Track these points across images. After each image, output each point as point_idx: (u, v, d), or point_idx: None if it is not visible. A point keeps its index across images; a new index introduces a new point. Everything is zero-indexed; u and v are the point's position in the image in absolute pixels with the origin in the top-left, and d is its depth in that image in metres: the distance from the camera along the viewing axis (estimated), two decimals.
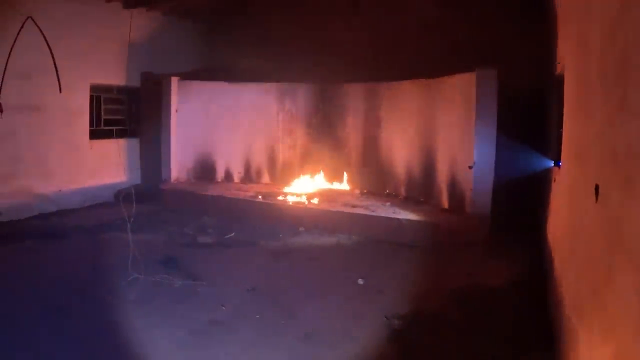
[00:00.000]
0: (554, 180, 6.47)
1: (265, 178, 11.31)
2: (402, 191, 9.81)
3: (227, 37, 12.52)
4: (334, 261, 6.94)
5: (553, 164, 6.92)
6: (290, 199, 9.30)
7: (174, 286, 5.58)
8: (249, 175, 11.32)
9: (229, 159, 11.29)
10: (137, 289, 5.43)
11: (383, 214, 8.18)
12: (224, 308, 5.03)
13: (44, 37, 8.37)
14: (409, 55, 10.08)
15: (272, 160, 11.34)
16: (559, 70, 6.46)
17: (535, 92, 8.48)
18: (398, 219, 7.91)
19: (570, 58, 5.01)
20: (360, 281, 5.89)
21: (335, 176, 10.73)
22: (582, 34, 3.93)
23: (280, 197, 9.42)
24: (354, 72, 10.40)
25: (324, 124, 11.03)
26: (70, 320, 4.67)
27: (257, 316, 4.88)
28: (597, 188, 2.73)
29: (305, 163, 11.07)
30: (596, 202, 2.76)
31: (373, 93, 10.37)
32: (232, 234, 7.95)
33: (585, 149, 3.46)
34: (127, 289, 5.43)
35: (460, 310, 5.18)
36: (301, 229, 8.35)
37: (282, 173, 11.19)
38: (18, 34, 8.06)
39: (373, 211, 8.35)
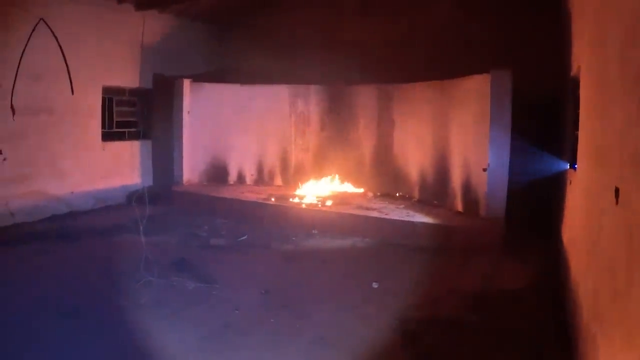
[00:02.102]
0: (570, 183, 6.38)
1: (278, 180, 11.28)
2: (416, 194, 9.74)
3: (238, 39, 12.53)
4: (348, 264, 6.88)
5: (568, 166, 6.84)
6: (303, 202, 9.26)
7: (187, 289, 5.56)
8: (262, 177, 11.30)
9: (241, 161, 11.28)
10: (150, 291, 5.42)
11: (397, 217, 8.12)
12: (237, 312, 4.99)
13: (56, 38, 8.42)
14: (421, 57, 10.01)
15: (284, 163, 11.31)
16: (574, 70, 6.37)
17: (550, 93, 8.38)
18: (412, 222, 7.85)
19: (586, 57, 4.93)
20: (375, 284, 5.83)
21: (348, 178, 10.67)
22: (599, 32, 3.86)
23: (293, 200, 9.39)
24: (366, 73, 10.36)
25: (336, 126, 10.99)
26: (82, 324, 4.65)
27: (272, 320, 4.83)
28: (617, 190, 2.66)
29: (317, 165, 11.02)
30: (616, 205, 2.68)
31: (386, 94, 10.31)
32: (244, 237, 7.92)
33: (605, 150, 3.39)
34: (140, 291, 5.42)
35: (475, 314, 5.10)
36: (314, 231, 8.32)
37: (294, 175, 11.15)
38: (30, 35, 8.11)
39: (387, 214, 8.29)
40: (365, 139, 10.69)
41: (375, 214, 8.35)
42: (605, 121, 3.43)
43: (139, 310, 4.98)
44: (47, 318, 4.75)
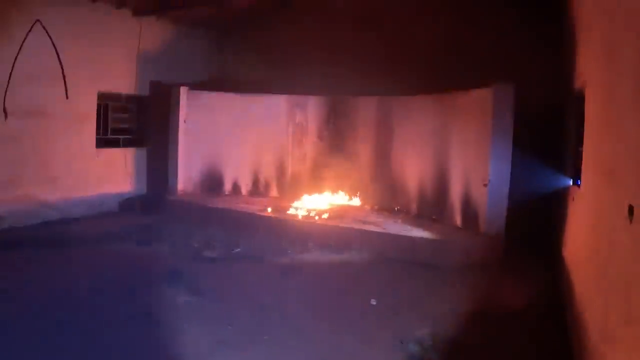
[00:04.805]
0: (572, 199, 6.27)
1: (274, 191, 11.11)
2: (414, 208, 9.59)
3: (237, 48, 12.46)
4: (345, 279, 6.71)
5: (571, 183, 6.73)
6: (299, 214, 9.09)
7: (179, 302, 5.37)
8: (257, 188, 11.13)
9: (236, 171, 11.11)
10: (140, 304, 5.23)
11: (395, 232, 7.96)
12: (230, 327, 4.79)
13: (52, 41, 8.28)
14: (421, 69, 9.93)
15: (280, 174, 11.15)
16: (578, 85, 6.28)
17: (551, 108, 8.31)
18: (411, 237, 7.69)
19: (593, 71, 4.85)
20: (373, 301, 5.66)
21: (345, 191, 10.53)
22: (609, 46, 3.76)
23: (289, 212, 9.22)
24: (365, 84, 10.23)
25: (334, 138, 10.88)
26: (63, 337, 4.45)
27: (266, 337, 4.64)
28: (631, 208, 2.54)
29: (314, 177, 10.88)
30: (630, 224, 2.56)
31: (385, 107, 10.20)
32: (239, 249, 7.73)
33: (616, 167, 3.27)
34: (130, 304, 5.23)
35: (478, 334, 4.98)
36: (310, 244, 8.12)
37: (290, 187, 10.99)
38: (26, 37, 7.96)
39: (385, 228, 8.14)
40: (363, 151, 10.56)
41: (372, 227, 8.19)
42: (616, 137, 3.33)
43: (127, 323, 4.78)
44: (27, 329, 4.56)
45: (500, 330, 5.11)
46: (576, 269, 5.12)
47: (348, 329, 4.98)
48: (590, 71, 5.05)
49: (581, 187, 5.54)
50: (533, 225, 8.22)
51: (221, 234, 8.55)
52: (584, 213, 5.05)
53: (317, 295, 6.02)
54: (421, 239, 7.66)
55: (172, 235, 8.39)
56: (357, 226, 8.29)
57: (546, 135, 8.32)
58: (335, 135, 10.88)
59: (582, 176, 5.52)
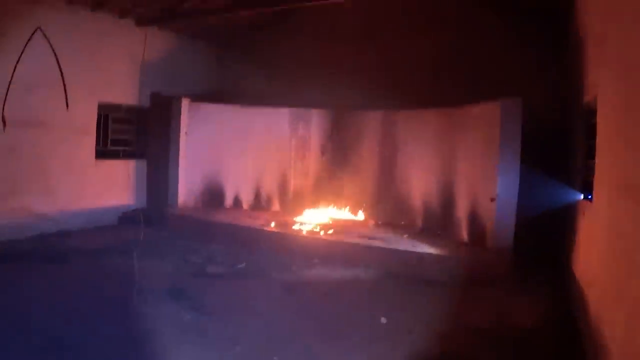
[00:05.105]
0: (583, 214, 6.14)
1: (276, 206, 10.93)
2: (419, 223, 9.43)
3: (239, 59, 12.38)
4: (353, 297, 6.49)
5: (582, 197, 6.59)
6: (303, 229, 8.90)
7: (182, 320, 5.16)
8: (259, 202, 10.94)
9: (238, 185, 10.93)
10: (143, 322, 5.02)
11: (402, 247, 7.78)
12: (238, 348, 4.57)
13: (53, 50, 8.09)
14: (426, 83, 9.87)
15: (283, 188, 10.98)
16: (587, 99, 6.18)
17: (556, 122, 8.28)
18: (419, 253, 7.51)
19: (607, 83, 4.75)
20: (383, 320, 5.47)
21: (348, 205, 10.36)
22: (627, 58, 3.66)
23: (293, 227, 9.02)
24: (369, 98, 10.13)
25: (338, 152, 10.74)
26: (64, 357, 4.24)
27: (275, 358, 4.43)
28: None
29: (317, 191, 10.72)
30: None
31: (390, 121, 10.08)
32: (242, 265, 7.52)
33: (636, 181, 3.18)
34: (131, 322, 5.01)
35: (492, 354, 4.81)
36: (315, 260, 7.93)
37: (293, 201, 10.83)
38: (26, 45, 7.77)
39: (391, 244, 7.95)
40: (367, 165, 10.41)
41: (378, 243, 8.01)
42: (635, 151, 3.24)
43: (129, 344, 4.55)
44: (24, 349, 4.33)
45: (514, 348, 4.96)
46: (591, 287, 4.99)
47: (360, 349, 4.77)
48: (604, 83, 4.96)
49: (594, 201, 5.42)
50: (540, 240, 8.12)
51: (223, 249, 8.36)
52: (598, 228, 4.94)
53: (326, 313, 5.80)
54: (429, 255, 7.48)
55: (174, 250, 8.18)
56: (363, 242, 8.11)
57: (551, 150, 8.24)
58: (339, 148, 10.74)
59: (595, 190, 5.40)
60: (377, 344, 4.90)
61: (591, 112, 6.10)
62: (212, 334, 4.90)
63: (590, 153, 6.10)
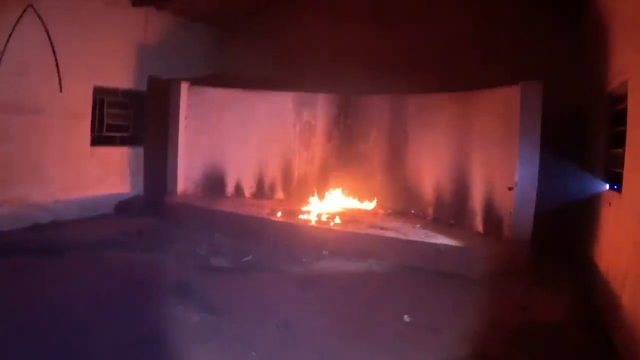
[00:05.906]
0: (609, 205, 5.85)
1: (279, 194, 10.52)
2: (430, 212, 9.05)
3: (241, 42, 11.93)
4: (370, 292, 6.11)
5: (607, 187, 6.27)
6: (311, 218, 8.50)
7: (191, 321, 4.76)
8: (262, 190, 10.52)
9: (240, 172, 10.49)
10: (147, 324, 4.62)
11: (416, 238, 7.39)
12: (254, 354, 4.13)
13: (46, 29, 7.61)
14: (437, 67, 9.54)
15: (287, 175, 10.56)
16: (614, 85, 5.84)
17: (576, 109, 8.01)
18: (435, 244, 7.14)
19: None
20: (407, 318, 5.11)
21: (356, 194, 9.95)
22: None
23: (299, 216, 8.62)
24: (378, 81, 9.74)
25: (344, 137, 10.34)
26: None
27: (253, 353, 4.04)
28: None
29: (323, 179, 10.31)
30: None
31: (399, 105, 9.64)
32: (249, 257, 7.12)
33: None
34: (134, 323, 4.61)
35: (524, 352, 4.52)
36: (325, 252, 7.55)
37: (297, 189, 10.42)
38: (16, 23, 7.29)
39: (405, 234, 7.57)
40: (375, 151, 10.00)
41: (391, 234, 7.62)
42: None
43: (131, 349, 4.12)
44: (24, 352, 3.94)
45: (545, 346, 4.70)
46: (620, 281, 4.74)
47: (383, 351, 4.41)
48: (637, 68, 4.71)
49: (623, 192, 5.13)
50: (560, 231, 7.84)
51: (227, 239, 7.96)
52: (629, 220, 4.70)
53: (342, 310, 5.42)
54: (445, 246, 7.11)
55: (174, 241, 7.75)
56: (375, 232, 7.71)
57: (571, 138, 7.97)
58: (346, 135, 10.34)
59: (625, 180, 5.08)
60: (402, 344, 4.56)
61: (617, 99, 5.81)
62: (225, 337, 4.48)
63: (615, 141, 5.79)
